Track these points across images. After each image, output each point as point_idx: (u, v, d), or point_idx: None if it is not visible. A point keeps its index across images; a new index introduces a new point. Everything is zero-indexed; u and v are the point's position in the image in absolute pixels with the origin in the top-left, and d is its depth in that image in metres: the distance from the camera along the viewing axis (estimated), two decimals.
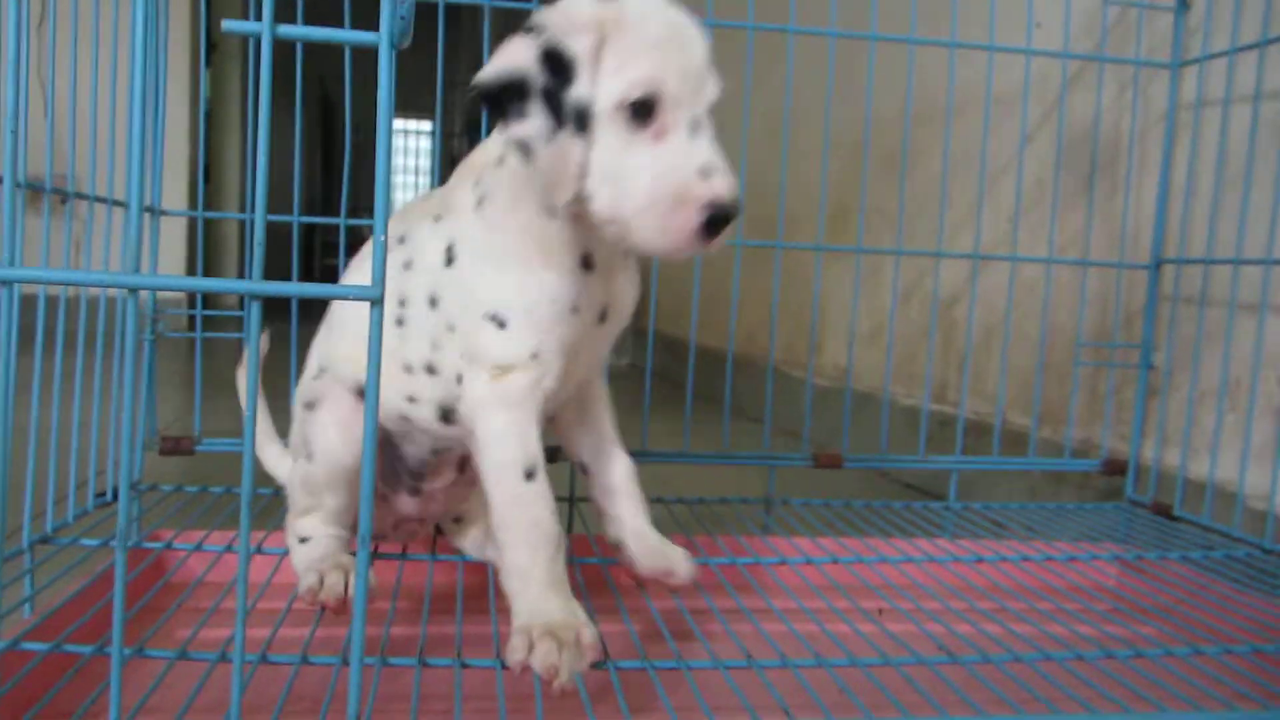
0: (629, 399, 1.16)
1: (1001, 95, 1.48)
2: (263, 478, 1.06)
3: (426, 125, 11.31)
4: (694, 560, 0.87)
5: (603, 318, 0.81)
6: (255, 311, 0.46)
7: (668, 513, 1.22)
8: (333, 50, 0.66)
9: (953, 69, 1.34)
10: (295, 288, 0.46)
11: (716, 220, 0.67)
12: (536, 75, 0.69)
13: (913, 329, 1.95)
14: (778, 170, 1.35)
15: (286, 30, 0.43)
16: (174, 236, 4.03)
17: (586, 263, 0.77)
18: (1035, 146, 1.56)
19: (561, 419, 0.90)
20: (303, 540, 0.89)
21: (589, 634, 0.70)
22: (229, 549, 0.99)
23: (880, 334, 2.04)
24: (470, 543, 1.02)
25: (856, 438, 1.41)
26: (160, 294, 1.14)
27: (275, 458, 1.07)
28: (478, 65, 0.74)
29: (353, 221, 1.22)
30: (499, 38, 0.75)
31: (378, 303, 0.45)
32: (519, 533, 0.75)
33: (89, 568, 0.91)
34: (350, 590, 0.83)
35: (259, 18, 0.43)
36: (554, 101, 0.69)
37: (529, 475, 0.76)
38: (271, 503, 1.10)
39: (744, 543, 1.10)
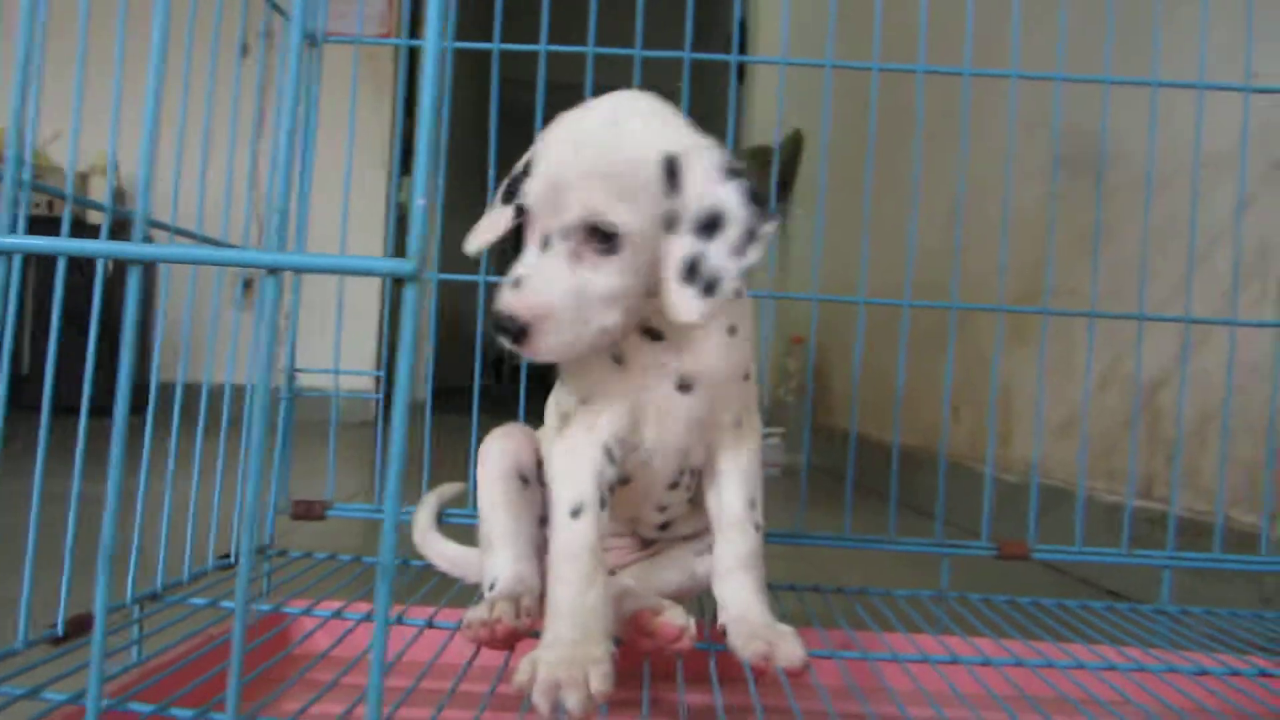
0: (814, 495, 1.10)
1: (1212, 154, 1.32)
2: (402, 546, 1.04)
3: None
4: (849, 654, 0.76)
5: (683, 387, 0.82)
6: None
7: (823, 602, 1.09)
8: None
9: (1154, 114, 1.19)
10: (320, 259, 0.40)
11: (502, 328, 0.71)
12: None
13: (1111, 419, 1.75)
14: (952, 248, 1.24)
15: None
16: (367, 296, 4.22)
17: (650, 332, 0.81)
18: (1257, 208, 1.38)
19: (703, 500, 0.90)
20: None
21: (598, 675, 0.69)
22: (366, 618, 0.94)
23: (1073, 425, 1.85)
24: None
25: (1047, 536, 1.24)
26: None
27: (437, 547, 1.09)
28: None
29: None
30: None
31: (412, 279, 0.39)
32: (557, 566, 0.78)
33: (202, 628, 0.87)
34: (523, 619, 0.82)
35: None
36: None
37: (575, 513, 0.79)
38: (409, 574, 1.06)
39: (911, 639, 0.96)
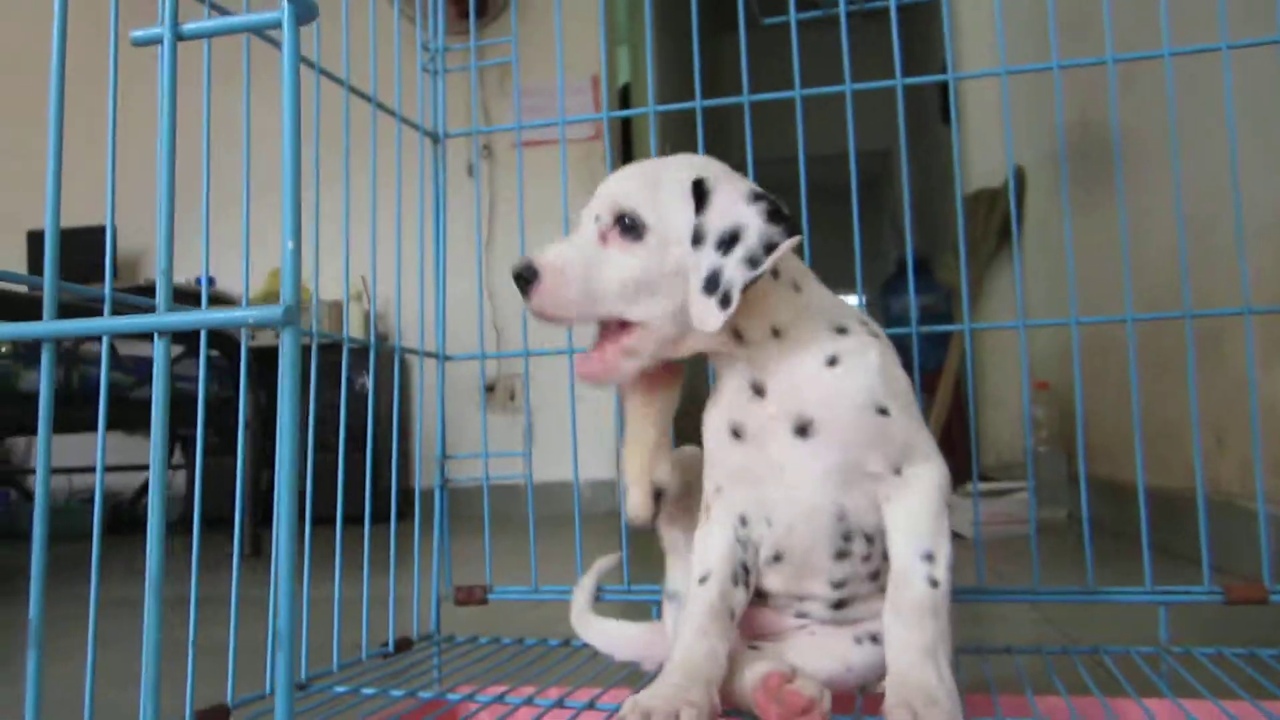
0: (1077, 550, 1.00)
1: None
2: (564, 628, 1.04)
3: (852, 299, 11.51)
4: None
5: (800, 430, 0.81)
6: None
7: (1016, 665, 0.97)
8: None
9: (1170, 84, 1.01)
10: (203, 317, 0.40)
11: (515, 274, 0.79)
12: None
13: None
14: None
15: (190, 29, 0.39)
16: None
17: (756, 389, 0.82)
18: None
19: None
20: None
21: (689, 713, 0.73)
22: (528, 702, 0.92)
23: None
24: None
25: None
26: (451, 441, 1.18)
27: (586, 626, 1.06)
28: None
29: None
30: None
31: (285, 325, 0.38)
32: (680, 627, 0.83)
33: (353, 716, 0.89)
34: None
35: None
36: None
37: (701, 580, 0.84)
38: (564, 653, 1.05)
39: (1104, 702, 0.82)
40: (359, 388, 3.51)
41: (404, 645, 1.08)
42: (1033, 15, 3.19)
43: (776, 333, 0.81)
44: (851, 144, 1.18)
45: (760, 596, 0.89)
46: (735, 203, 0.79)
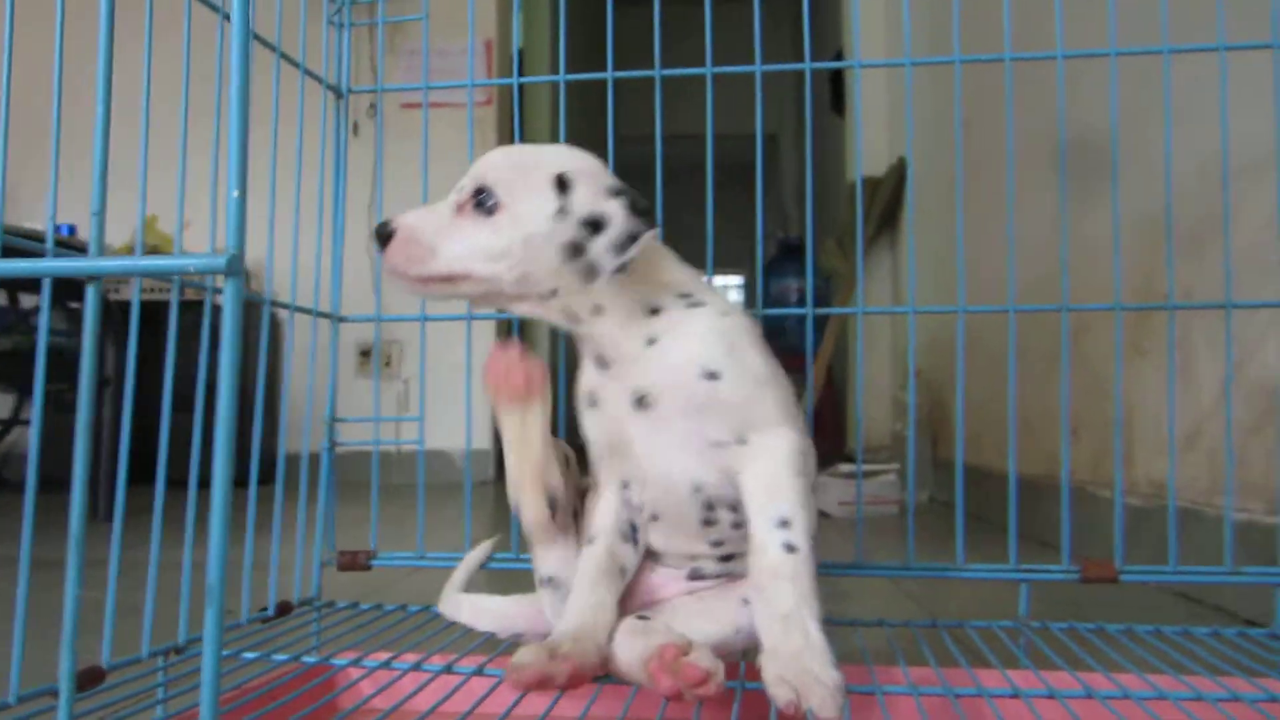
0: (938, 531, 1.04)
1: None
2: None
3: (736, 279, 11.70)
4: (893, 689, 0.69)
5: (639, 402, 0.85)
6: None
7: (888, 638, 1.01)
8: None
9: (1167, 84, 1.08)
10: (140, 264, 0.39)
11: (378, 233, 0.85)
12: None
13: (1237, 428, 1.60)
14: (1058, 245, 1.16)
15: None
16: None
17: (600, 362, 0.88)
18: None
19: None
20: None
21: (564, 662, 0.77)
22: (414, 668, 0.92)
23: (1197, 438, 1.70)
24: None
25: (1182, 560, 1.11)
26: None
27: (456, 607, 1.04)
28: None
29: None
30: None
31: (229, 274, 0.37)
32: (574, 582, 0.88)
33: (231, 680, 0.87)
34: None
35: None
36: None
37: (590, 541, 0.89)
38: (448, 620, 1.04)
39: (971, 674, 0.87)
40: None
41: (284, 609, 1.05)
42: (923, 9, 3.29)
43: (598, 309, 0.86)
44: (760, 124, 1.20)
45: (654, 556, 0.93)
46: (597, 195, 0.85)
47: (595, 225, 0.83)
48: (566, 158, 0.88)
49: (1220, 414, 1.62)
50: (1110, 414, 2.01)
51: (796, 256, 5.08)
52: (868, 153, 4.22)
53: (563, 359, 1.09)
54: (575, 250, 0.82)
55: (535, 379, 0.87)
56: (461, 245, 0.84)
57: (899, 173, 3.98)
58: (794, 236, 5.93)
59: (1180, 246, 1.60)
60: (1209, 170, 1.53)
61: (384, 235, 0.85)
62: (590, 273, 0.82)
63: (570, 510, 0.94)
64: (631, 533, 0.90)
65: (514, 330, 1.24)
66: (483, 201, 0.85)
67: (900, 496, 2.90)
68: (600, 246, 0.82)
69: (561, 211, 0.84)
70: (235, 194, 0.37)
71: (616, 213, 0.83)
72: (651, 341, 0.85)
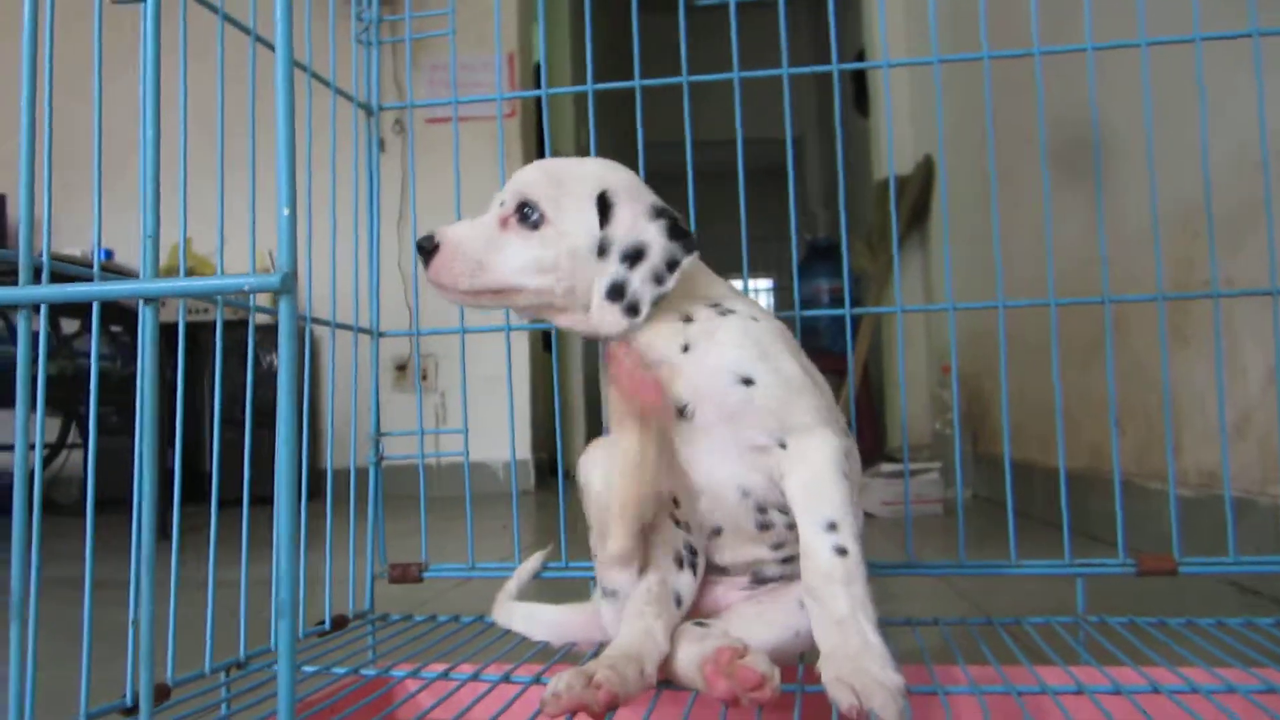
0: (985, 528, 1.04)
1: None
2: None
3: (765, 283, 11.69)
4: (955, 689, 0.68)
5: (681, 411, 0.84)
6: None
7: (944, 637, 1.00)
8: None
9: (1146, 75, 1.06)
10: (182, 284, 0.39)
11: (420, 246, 0.87)
12: None
13: None
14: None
15: None
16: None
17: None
18: None
19: None
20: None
21: (604, 676, 0.75)
22: (473, 678, 0.92)
23: (1245, 427, 1.67)
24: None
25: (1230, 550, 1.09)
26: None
27: (509, 616, 1.04)
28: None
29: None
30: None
31: (282, 292, 0.37)
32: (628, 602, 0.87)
33: (301, 696, 0.88)
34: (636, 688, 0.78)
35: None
36: None
37: (641, 570, 0.88)
38: (501, 631, 1.04)
39: (1033, 671, 0.86)
40: (266, 365, 3.41)
41: (340, 623, 1.06)
42: (944, 5, 3.27)
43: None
44: (789, 126, 1.21)
45: (719, 570, 0.91)
46: (638, 219, 0.86)
47: (636, 256, 0.85)
48: (605, 172, 0.89)
49: (1269, 401, 1.59)
50: (1152, 404, 1.99)
51: (825, 258, 5.06)
52: (896, 151, 4.20)
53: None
54: (617, 292, 0.84)
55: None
56: (514, 259, 0.85)
57: (926, 170, 3.96)
58: (822, 238, 5.91)
59: (1217, 236, 1.58)
60: (1243, 159, 1.51)
61: (428, 249, 0.86)
62: (633, 311, 0.84)
63: (646, 541, 0.90)
64: (689, 555, 0.88)
65: (553, 343, 1.25)
66: (527, 215, 0.86)
67: (943, 495, 2.87)
68: (639, 279, 0.84)
69: (604, 246, 0.85)
70: (286, 212, 0.38)
71: (656, 240, 0.85)
72: (686, 348, 0.85)
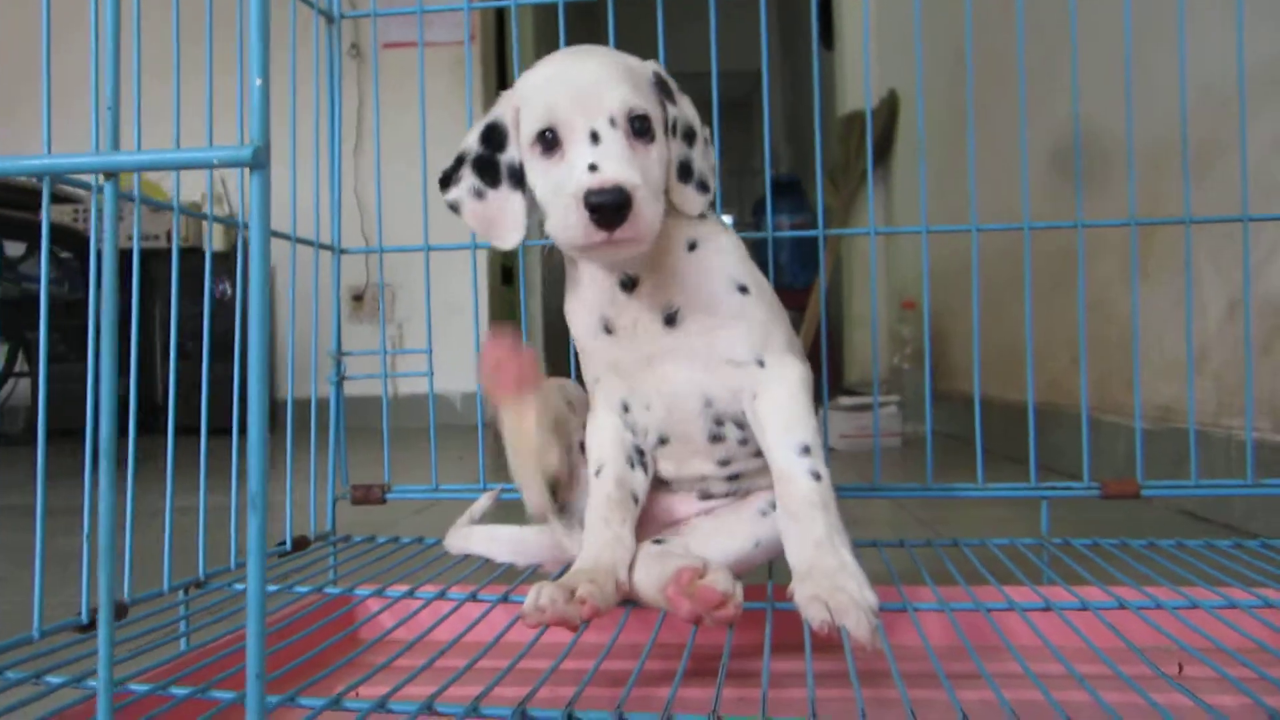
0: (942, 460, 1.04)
1: None
2: None
3: (726, 219, 11.66)
4: (924, 606, 0.68)
5: (669, 320, 0.82)
6: None
7: (910, 557, 1.01)
8: None
9: (1129, 30, 1.06)
10: (150, 156, 0.36)
11: (601, 206, 0.69)
12: (472, 149, 0.81)
13: (1242, 350, 1.59)
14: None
15: None
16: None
17: (625, 285, 0.82)
18: None
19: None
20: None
21: (587, 589, 0.76)
22: (439, 597, 0.90)
23: (1203, 361, 1.69)
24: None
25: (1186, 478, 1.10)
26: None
27: (467, 539, 1.03)
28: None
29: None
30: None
31: (255, 167, 0.34)
32: (586, 516, 0.86)
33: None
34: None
35: None
36: (492, 165, 0.80)
37: (597, 472, 0.87)
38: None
39: (1000, 589, 0.87)
40: (220, 294, 3.34)
41: (301, 544, 1.04)
42: None
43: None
44: (765, 55, 1.18)
45: (662, 483, 0.91)
46: (681, 98, 0.82)
47: (690, 134, 0.81)
48: (630, 56, 0.82)
49: (1226, 335, 1.61)
50: (1111, 337, 2.00)
51: (786, 194, 5.05)
52: (858, 86, 4.17)
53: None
54: (686, 171, 0.80)
55: (529, 371, 0.84)
56: (656, 195, 0.75)
57: (890, 105, 3.94)
58: (784, 174, 5.88)
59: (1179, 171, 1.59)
60: (1209, 94, 1.51)
61: (617, 204, 0.70)
62: (704, 188, 0.81)
63: (574, 473, 0.91)
64: (639, 457, 0.88)
65: (518, 276, 1.22)
66: (641, 128, 0.75)
67: (901, 429, 2.90)
68: (698, 155, 0.81)
69: (670, 125, 0.79)
70: (259, 82, 0.35)
71: (695, 114, 0.82)
72: (693, 246, 0.83)
